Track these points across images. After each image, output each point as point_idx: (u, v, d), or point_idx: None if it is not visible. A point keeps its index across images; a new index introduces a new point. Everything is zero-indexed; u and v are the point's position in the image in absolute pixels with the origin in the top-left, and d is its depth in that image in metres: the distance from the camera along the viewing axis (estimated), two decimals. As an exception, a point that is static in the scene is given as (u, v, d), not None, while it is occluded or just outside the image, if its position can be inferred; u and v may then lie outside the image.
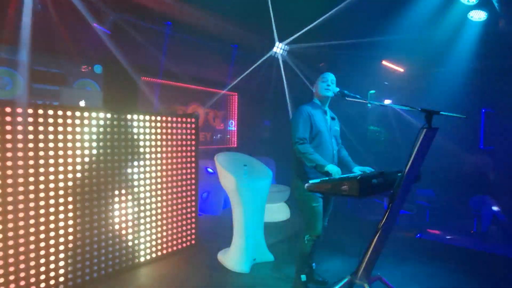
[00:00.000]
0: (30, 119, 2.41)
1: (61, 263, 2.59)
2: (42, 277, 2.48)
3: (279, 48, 5.53)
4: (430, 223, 5.02)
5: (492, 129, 5.61)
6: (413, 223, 4.95)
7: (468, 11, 3.92)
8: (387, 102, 6.86)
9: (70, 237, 2.64)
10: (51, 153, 2.50)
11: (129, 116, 3.02)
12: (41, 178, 2.46)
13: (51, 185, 2.51)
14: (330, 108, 2.78)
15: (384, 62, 6.30)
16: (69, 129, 2.60)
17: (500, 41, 4.45)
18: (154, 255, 3.28)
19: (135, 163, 3.08)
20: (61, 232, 2.58)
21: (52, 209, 2.52)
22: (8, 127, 2.30)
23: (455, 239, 4.34)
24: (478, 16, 3.96)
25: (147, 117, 3.18)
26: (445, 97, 5.35)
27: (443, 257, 3.63)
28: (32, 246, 2.42)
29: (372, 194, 1.98)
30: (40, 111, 2.45)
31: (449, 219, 5.16)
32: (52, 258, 2.54)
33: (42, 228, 2.47)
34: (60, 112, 2.55)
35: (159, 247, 3.33)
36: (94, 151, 2.76)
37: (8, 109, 2.31)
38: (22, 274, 2.38)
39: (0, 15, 3.13)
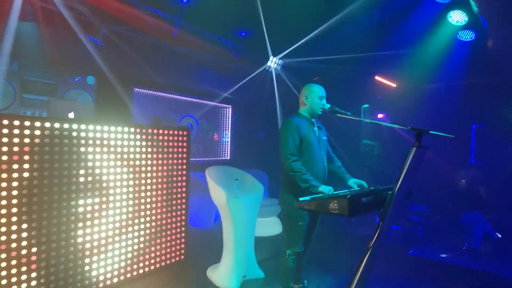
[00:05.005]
0: (16, 131, 2.36)
1: (33, 283, 2.44)
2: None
3: (273, 62, 5.59)
4: (423, 239, 4.99)
5: (482, 145, 5.68)
6: (405, 238, 4.92)
7: (457, 31, 4.03)
8: (380, 116, 6.94)
9: (43, 255, 2.53)
10: (26, 166, 2.45)
11: (119, 128, 2.99)
12: (14, 192, 2.39)
13: (34, 198, 2.44)
14: (319, 119, 2.76)
15: (377, 77, 6.39)
16: (56, 141, 2.55)
17: (489, 59, 4.55)
18: (141, 271, 3.18)
19: (124, 175, 3.02)
20: (43, 247, 2.50)
21: (24, 226, 2.45)
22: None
23: (447, 256, 4.32)
24: (467, 36, 4.07)
25: (138, 129, 3.15)
26: (436, 112, 5.42)
27: (435, 275, 3.60)
28: None
29: (362, 212, 1.95)
30: (27, 123, 2.41)
31: (442, 235, 5.14)
32: (14, 279, 2.33)
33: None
34: (47, 124, 2.51)
35: (147, 263, 3.24)
36: (82, 164, 2.71)
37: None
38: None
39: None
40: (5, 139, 2.30)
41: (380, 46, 4.58)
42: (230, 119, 6.24)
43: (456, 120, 5.38)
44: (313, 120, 2.66)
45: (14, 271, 2.32)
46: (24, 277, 2.38)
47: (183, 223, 3.59)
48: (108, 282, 2.92)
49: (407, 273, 3.60)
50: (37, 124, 2.46)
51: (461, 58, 4.64)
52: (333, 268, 3.59)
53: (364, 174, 6.58)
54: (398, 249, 4.43)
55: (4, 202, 2.29)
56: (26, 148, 2.40)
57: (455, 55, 4.59)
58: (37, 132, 2.45)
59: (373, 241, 2.07)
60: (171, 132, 3.44)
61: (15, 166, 2.34)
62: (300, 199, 2.07)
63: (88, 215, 2.77)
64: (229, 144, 6.27)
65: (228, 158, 6.27)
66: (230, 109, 6.25)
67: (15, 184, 2.34)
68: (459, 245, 4.69)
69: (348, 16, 4.03)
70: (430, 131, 1.96)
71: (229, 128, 6.24)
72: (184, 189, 3.59)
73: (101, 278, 2.87)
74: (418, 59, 4.73)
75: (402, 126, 2.15)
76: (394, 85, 6.51)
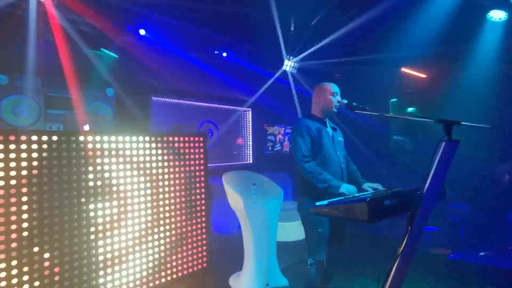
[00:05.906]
0: (35, 146, 2.42)
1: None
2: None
3: (288, 66, 5.47)
4: (465, 241, 4.57)
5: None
6: (445, 241, 4.53)
7: (487, 11, 3.65)
8: (410, 110, 6.54)
9: (66, 267, 2.56)
10: (45, 179, 2.50)
11: (134, 138, 3.00)
12: (35, 205, 2.44)
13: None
14: (336, 119, 2.60)
15: (403, 69, 6.03)
16: (73, 153, 2.60)
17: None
18: (163, 280, 3.16)
19: (142, 184, 3.02)
20: (65, 259, 2.54)
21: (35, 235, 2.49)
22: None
23: (492, 259, 3.90)
24: (499, 16, 3.68)
25: (153, 138, 3.14)
26: (472, 102, 4.96)
27: (479, 281, 3.25)
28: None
29: (385, 217, 1.76)
30: (45, 138, 2.47)
31: (486, 235, 4.68)
32: None
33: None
34: (63, 138, 2.56)
35: (168, 272, 3.21)
36: (99, 175, 2.74)
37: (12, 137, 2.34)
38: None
39: (13, 45, 3.28)
40: (24, 154, 2.37)
41: (404, 35, 4.28)
42: (250, 123, 6.17)
43: (495, 109, 4.91)
44: (326, 120, 2.52)
45: (37, 283, 2.37)
46: (47, 289, 2.43)
47: (204, 230, 3.53)
48: (131, 292, 2.92)
49: (448, 280, 3.28)
50: (54, 138, 2.52)
51: (495, 41, 4.20)
52: (363, 273, 3.36)
53: (396, 173, 6.19)
54: (438, 253, 4.07)
55: (25, 216, 2.35)
56: (45, 162, 2.45)
57: (489, 38, 4.17)
58: (54, 146, 2.51)
59: (402, 247, 1.88)
60: (186, 138, 3.41)
61: (35, 180, 2.40)
62: (317, 203, 1.91)
63: (108, 226, 2.79)
64: (251, 147, 6.19)
65: (251, 161, 6.18)
66: (250, 112, 6.18)
67: (35, 198, 2.39)
68: (505, 246, 4.23)
69: (366, 8, 3.81)
70: (462, 122, 1.73)
71: (250, 131, 6.17)
72: (203, 196, 3.54)
73: (124, 287, 2.87)
74: (447, 45, 4.36)
75: (428, 119, 1.92)
76: (423, 75, 6.11)
